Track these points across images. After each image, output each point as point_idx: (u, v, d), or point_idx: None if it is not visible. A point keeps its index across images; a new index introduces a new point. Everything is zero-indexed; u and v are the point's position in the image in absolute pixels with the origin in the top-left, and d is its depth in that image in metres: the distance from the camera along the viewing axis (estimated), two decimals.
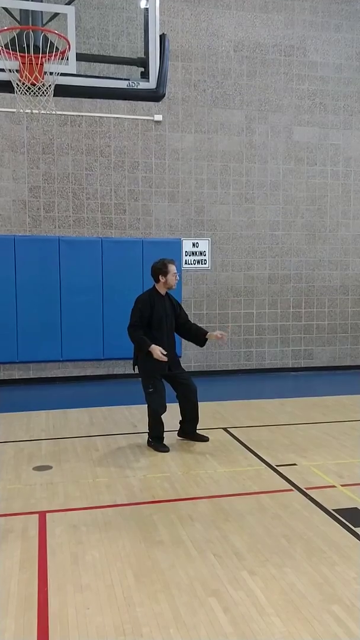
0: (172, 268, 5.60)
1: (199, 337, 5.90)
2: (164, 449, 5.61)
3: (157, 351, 5.36)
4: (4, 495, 4.53)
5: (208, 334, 5.86)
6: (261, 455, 5.49)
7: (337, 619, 2.94)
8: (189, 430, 5.91)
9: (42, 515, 4.18)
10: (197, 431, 5.93)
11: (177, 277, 5.72)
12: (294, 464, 5.26)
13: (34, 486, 4.73)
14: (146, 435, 5.84)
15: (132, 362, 5.76)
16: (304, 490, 4.64)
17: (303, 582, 3.28)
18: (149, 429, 5.75)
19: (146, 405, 5.69)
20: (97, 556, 3.58)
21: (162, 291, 5.66)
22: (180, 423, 5.96)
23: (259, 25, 9.81)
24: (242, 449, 5.73)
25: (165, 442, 5.70)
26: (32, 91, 4.84)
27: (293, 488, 4.69)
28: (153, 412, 5.63)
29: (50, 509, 4.29)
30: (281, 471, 5.08)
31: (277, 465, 5.22)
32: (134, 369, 5.74)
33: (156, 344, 5.45)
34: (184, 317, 5.87)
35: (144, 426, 5.91)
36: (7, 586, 3.25)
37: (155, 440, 5.66)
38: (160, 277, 5.59)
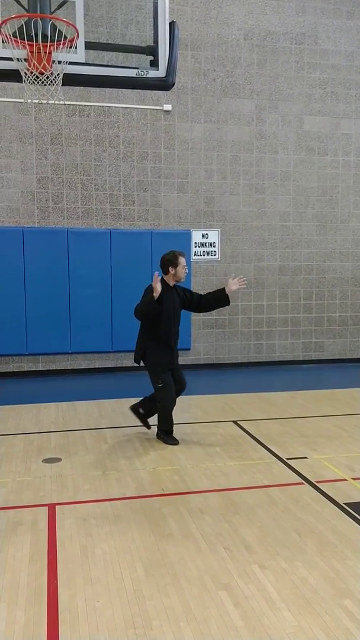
0: (182, 260, 5.53)
1: (221, 298, 5.67)
2: (173, 441, 5.58)
3: (154, 284, 5.16)
4: (13, 488, 4.53)
5: (226, 289, 5.60)
6: (271, 448, 5.46)
7: (349, 613, 2.91)
8: (149, 411, 5.90)
9: (52, 507, 4.17)
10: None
11: (187, 270, 5.65)
12: (305, 457, 5.22)
13: (44, 478, 4.73)
14: (155, 428, 5.82)
15: (135, 354, 5.67)
16: (315, 483, 4.60)
17: (314, 576, 3.24)
18: (158, 423, 5.72)
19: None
20: (107, 549, 3.56)
21: (171, 283, 5.60)
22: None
23: (270, 13, 9.67)
24: (252, 442, 5.69)
25: (174, 435, 5.68)
26: (40, 80, 4.78)
27: (304, 481, 4.66)
28: (163, 408, 5.60)
29: (60, 501, 4.28)
30: (292, 464, 5.04)
31: (287, 459, 5.18)
32: (138, 363, 5.65)
33: (165, 337, 5.44)
34: (197, 296, 5.74)
35: (152, 419, 5.88)
36: (17, 578, 3.24)
37: (164, 434, 5.64)
38: (170, 268, 5.51)
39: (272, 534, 3.75)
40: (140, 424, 5.90)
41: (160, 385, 5.50)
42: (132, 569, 3.33)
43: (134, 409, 5.87)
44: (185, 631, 2.77)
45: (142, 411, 5.82)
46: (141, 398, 5.86)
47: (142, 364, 5.67)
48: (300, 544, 3.62)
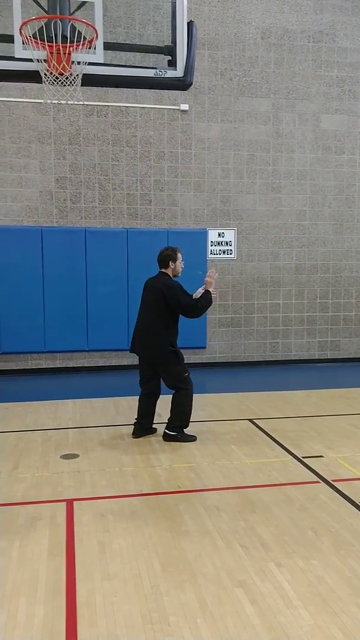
0: (180, 255, 5.69)
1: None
2: (191, 438, 5.61)
3: (213, 279, 5.62)
4: (32, 483, 4.60)
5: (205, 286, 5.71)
6: (287, 447, 5.46)
7: None
8: (149, 426, 5.83)
9: (70, 503, 4.22)
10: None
11: (183, 265, 5.74)
12: (321, 456, 5.22)
13: (62, 474, 4.78)
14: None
15: (149, 350, 5.58)
16: (331, 482, 4.60)
17: (331, 575, 3.25)
18: (176, 420, 5.60)
19: (171, 394, 5.65)
20: (124, 545, 3.60)
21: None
22: (140, 420, 5.78)
23: (287, 12, 9.64)
24: (267, 440, 5.70)
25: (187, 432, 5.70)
26: (59, 81, 4.84)
27: (320, 480, 4.66)
28: (191, 397, 5.59)
29: (78, 497, 4.33)
30: (307, 463, 5.04)
31: (303, 457, 5.18)
32: (161, 359, 5.58)
33: (177, 337, 5.58)
34: None
35: (168, 415, 5.87)
36: (35, 572, 3.29)
37: (180, 431, 5.64)
38: (170, 263, 5.62)
39: (288, 532, 3.77)
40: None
41: (187, 374, 5.59)
42: (149, 565, 3.37)
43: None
44: (202, 627, 2.80)
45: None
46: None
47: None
48: (316, 543, 3.63)
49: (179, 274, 5.71)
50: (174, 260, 5.62)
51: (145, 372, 5.71)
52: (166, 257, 5.63)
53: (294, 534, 3.74)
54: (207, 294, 5.56)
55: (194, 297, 5.59)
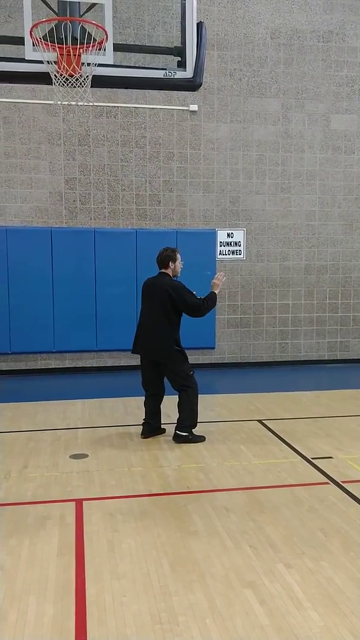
0: (179, 256, 5.78)
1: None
2: (201, 438, 5.62)
3: (221, 280, 5.75)
4: (42, 483, 4.62)
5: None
6: (296, 448, 5.45)
7: None
8: (158, 425, 5.84)
9: (79, 502, 4.24)
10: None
11: (182, 266, 5.82)
12: (330, 457, 5.20)
13: (71, 474, 4.80)
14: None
15: (155, 350, 5.59)
16: (340, 483, 4.59)
17: (340, 577, 3.24)
18: (186, 420, 5.59)
19: (177, 395, 5.65)
20: (133, 544, 3.61)
21: None
22: (148, 420, 5.79)
23: (297, 11, 9.62)
24: (277, 441, 5.69)
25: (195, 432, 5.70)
26: (69, 82, 4.86)
27: (329, 481, 4.64)
28: (197, 394, 5.62)
29: (87, 496, 4.35)
30: (317, 464, 5.03)
31: (312, 458, 5.17)
32: (169, 357, 5.60)
33: (180, 336, 5.64)
34: None
35: (177, 416, 5.87)
36: (45, 571, 3.31)
37: (190, 430, 5.64)
38: (170, 263, 5.69)
39: (297, 533, 3.76)
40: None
41: (192, 372, 5.63)
42: (158, 564, 3.38)
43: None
44: (211, 628, 2.80)
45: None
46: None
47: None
48: (326, 544, 3.62)
49: (179, 274, 5.80)
50: (174, 260, 5.71)
51: (148, 374, 5.74)
52: (166, 258, 5.71)
53: (303, 534, 3.74)
54: (212, 295, 5.62)
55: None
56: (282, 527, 3.84)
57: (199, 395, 5.68)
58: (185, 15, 5.22)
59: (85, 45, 4.85)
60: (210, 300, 5.59)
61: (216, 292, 5.66)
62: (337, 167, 9.95)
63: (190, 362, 5.72)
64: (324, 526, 3.85)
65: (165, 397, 5.86)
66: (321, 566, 3.35)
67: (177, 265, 5.74)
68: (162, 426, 5.87)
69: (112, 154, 9.24)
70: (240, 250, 9.76)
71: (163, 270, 5.73)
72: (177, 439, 5.60)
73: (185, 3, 5.19)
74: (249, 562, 3.40)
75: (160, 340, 5.56)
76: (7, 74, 5.14)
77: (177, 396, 5.66)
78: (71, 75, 4.84)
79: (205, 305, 5.54)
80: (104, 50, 4.94)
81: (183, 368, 5.59)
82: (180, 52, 5.32)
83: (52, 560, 3.43)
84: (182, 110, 9.36)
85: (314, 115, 9.82)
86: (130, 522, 3.91)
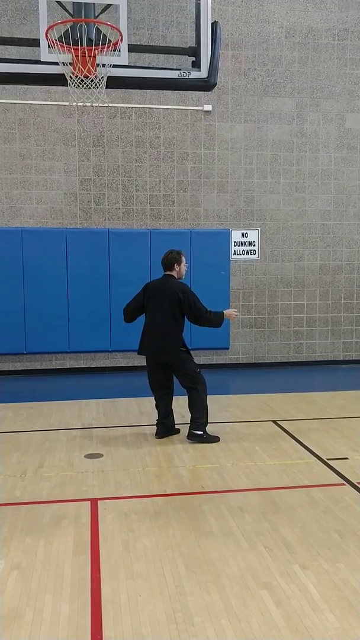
0: (184, 258, 5.84)
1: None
2: (215, 439, 5.61)
3: (234, 315, 5.92)
4: (57, 482, 4.64)
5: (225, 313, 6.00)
6: (311, 449, 5.42)
7: None
8: (171, 425, 5.85)
9: (94, 502, 4.25)
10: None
11: (187, 268, 5.93)
12: (346, 458, 5.16)
13: (86, 473, 4.82)
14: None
15: (164, 351, 5.62)
16: (356, 484, 4.55)
17: (357, 579, 3.21)
18: (200, 418, 5.58)
19: (186, 395, 5.67)
20: (148, 544, 3.61)
21: None
22: (162, 420, 5.80)
23: (312, 10, 9.57)
24: (292, 441, 5.66)
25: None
26: (85, 84, 4.88)
27: (345, 482, 4.61)
28: (206, 392, 5.63)
29: (102, 496, 4.36)
30: (332, 465, 4.99)
31: (328, 459, 5.13)
32: (173, 359, 5.59)
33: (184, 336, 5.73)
34: None
35: (190, 415, 5.86)
36: (61, 570, 3.33)
37: (204, 428, 5.62)
38: (175, 265, 5.75)
39: (313, 534, 3.74)
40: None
41: (199, 370, 5.66)
42: (173, 564, 3.38)
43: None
44: (226, 628, 2.79)
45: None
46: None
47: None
48: (342, 546, 3.59)
49: (183, 276, 5.86)
50: (179, 262, 5.77)
51: (156, 375, 5.76)
52: (172, 260, 5.76)
53: (318, 536, 3.71)
54: (219, 313, 5.71)
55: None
56: (297, 528, 3.82)
57: (212, 396, 5.68)
58: (199, 15, 5.21)
59: (100, 47, 4.86)
60: (214, 315, 5.65)
61: (223, 317, 5.72)
62: (352, 166, 9.88)
63: (204, 363, 5.76)
64: (340, 527, 3.83)
65: (177, 397, 5.85)
66: (337, 568, 3.33)
67: (182, 268, 5.80)
68: (177, 426, 5.87)
69: (126, 154, 9.26)
70: (254, 250, 9.73)
71: (168, 273, 5.78)
72: (193, 438, 5.59)
73: (199, 3, 5.18)
74: (264, 563, 3.39)
75: (168, 342, 5.61)
76: (23, 76, 5.18)
77: (187, 396, 5.68)
78: (86, 77, 4.86)
79: (208, 315, 5.61)
80: (119, 51, 4.95)
81: (190, 366, 5.64)
82: (194, 52, 5.31)
83: (67, 560, 3.44)
84: (196, 110, 9.36)
85: (329, 114, 9.76)
86: (145, 522, 3.91)
